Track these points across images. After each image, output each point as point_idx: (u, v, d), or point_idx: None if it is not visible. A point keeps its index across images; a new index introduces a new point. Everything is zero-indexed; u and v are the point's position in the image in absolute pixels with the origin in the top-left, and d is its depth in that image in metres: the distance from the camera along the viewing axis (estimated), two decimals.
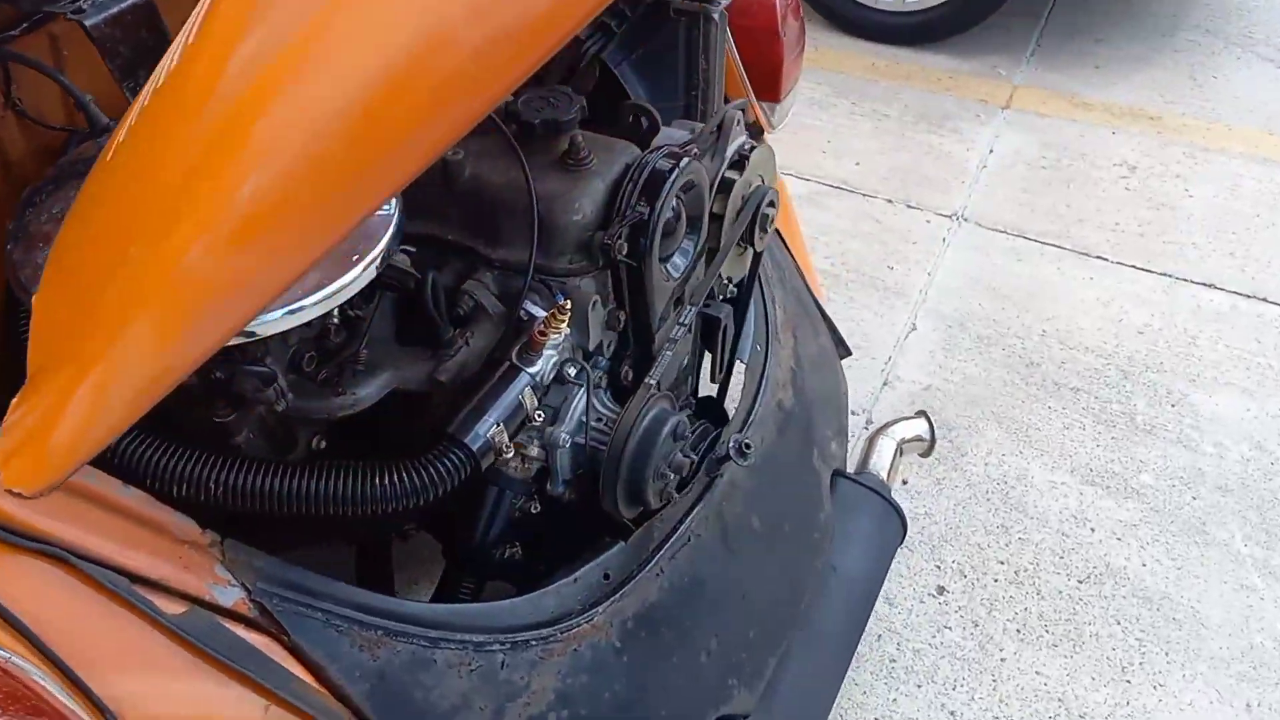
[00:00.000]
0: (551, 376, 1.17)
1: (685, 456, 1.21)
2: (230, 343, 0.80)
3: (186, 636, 0.81)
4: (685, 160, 1.16)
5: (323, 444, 1.15)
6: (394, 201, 1.02)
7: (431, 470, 1.03)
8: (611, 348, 1.28)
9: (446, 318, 1.15)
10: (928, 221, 2.76)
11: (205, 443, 0.96)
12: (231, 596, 0.87)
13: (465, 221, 1.21)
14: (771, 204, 1.37)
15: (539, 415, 1.14)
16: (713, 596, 1.32)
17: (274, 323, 0.91)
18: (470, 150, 1.17)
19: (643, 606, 1.24)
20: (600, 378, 1.27)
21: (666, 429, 1.17)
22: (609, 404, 1.24)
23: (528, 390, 1.13)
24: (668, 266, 1.25)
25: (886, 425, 1.68)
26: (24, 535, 0.76)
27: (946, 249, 2.66)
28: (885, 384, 2.28)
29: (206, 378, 0.99)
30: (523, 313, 1.16)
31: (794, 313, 1.66)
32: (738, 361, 1.50)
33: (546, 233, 1.13)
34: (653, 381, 1.19)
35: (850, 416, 1.74)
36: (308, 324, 0.97)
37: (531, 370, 1.14)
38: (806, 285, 1.76)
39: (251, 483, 0.95)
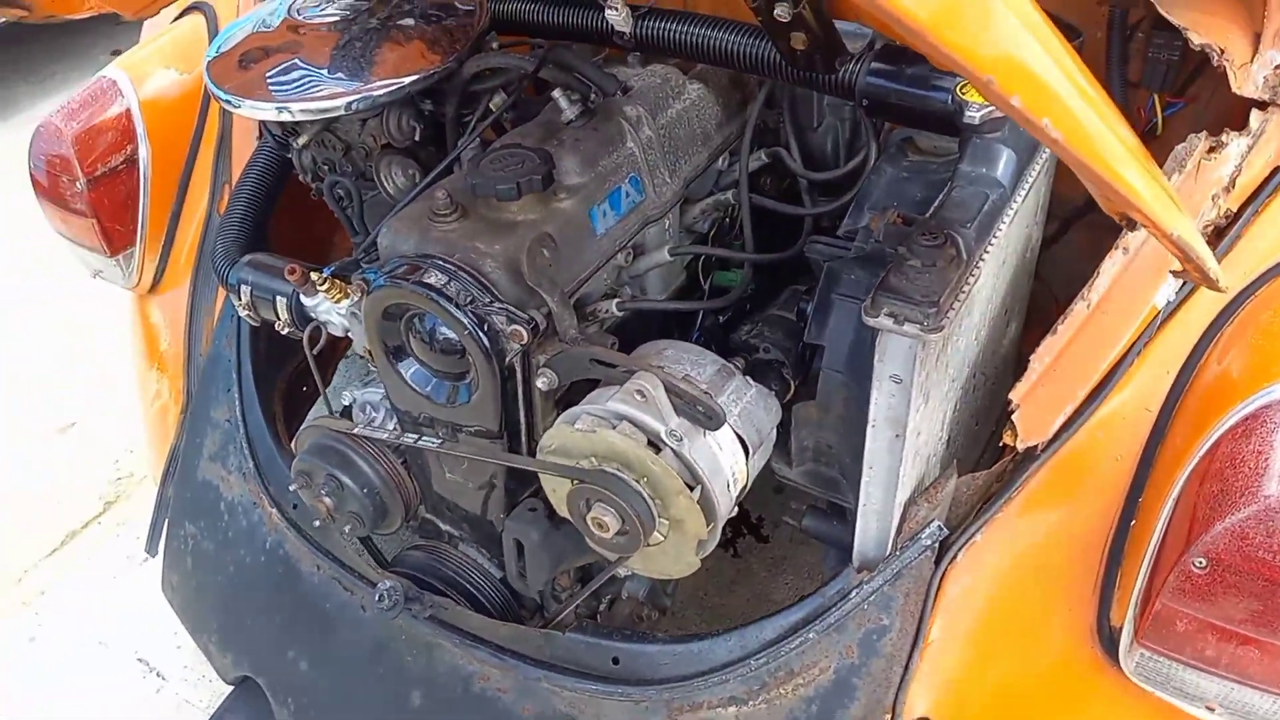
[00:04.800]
0: (325, 323, 1.25)
1: (323, 503, 1.26)
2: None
3: None
4: (413, 278, 1.09)
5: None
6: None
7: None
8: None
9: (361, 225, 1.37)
10: None
11: None
12: None
13: None
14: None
15: (288, 327, 1.27)
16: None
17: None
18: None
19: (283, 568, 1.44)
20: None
21: (324, 449, 1.26)
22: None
23: (282, 300, 1.26)
24: (405, 368, 1.19)
25: None
26: None
27: None
28: None
29: None
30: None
31: None
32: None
33: None
34: (358, 430, 1.25)
35: None
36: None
37: (306, 295, 1.23)
38: None
39: None
